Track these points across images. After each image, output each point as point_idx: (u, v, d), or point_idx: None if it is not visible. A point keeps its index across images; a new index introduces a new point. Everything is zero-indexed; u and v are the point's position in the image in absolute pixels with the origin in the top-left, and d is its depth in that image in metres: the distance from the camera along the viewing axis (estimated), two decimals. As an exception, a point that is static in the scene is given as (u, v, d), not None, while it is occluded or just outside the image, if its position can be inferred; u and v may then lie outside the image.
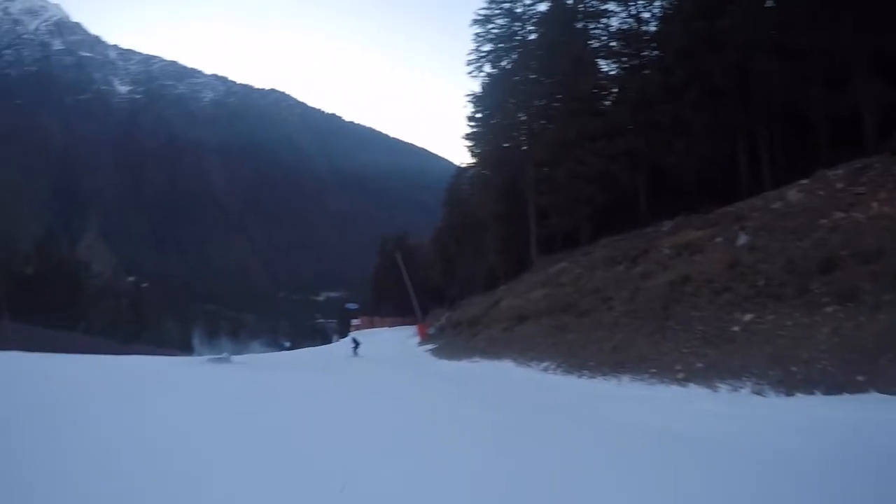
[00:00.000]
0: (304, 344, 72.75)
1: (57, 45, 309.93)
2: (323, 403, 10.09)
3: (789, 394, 7.76)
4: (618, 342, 12.73)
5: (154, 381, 12.94)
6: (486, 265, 41.61)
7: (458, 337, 25.13)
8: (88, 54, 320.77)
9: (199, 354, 34.58)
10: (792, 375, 8.01)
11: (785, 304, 9.69)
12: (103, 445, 5.59)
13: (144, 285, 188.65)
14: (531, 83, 32.40)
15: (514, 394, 12.15)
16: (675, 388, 9.51)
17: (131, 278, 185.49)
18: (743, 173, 21.68)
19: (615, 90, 31.38)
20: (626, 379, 10.95)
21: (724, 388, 8.70)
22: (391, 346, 35.62)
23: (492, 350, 18.20)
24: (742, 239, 12.74)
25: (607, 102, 31.25)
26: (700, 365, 9.68)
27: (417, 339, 35.64)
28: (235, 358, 22.55)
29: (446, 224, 52.99)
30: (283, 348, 75.50)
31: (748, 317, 10.03)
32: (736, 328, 9.98)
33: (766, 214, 13.19)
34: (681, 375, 9.74)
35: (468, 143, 39.29)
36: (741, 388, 8.45)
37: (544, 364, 14.54)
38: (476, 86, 44.93)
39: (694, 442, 6.40)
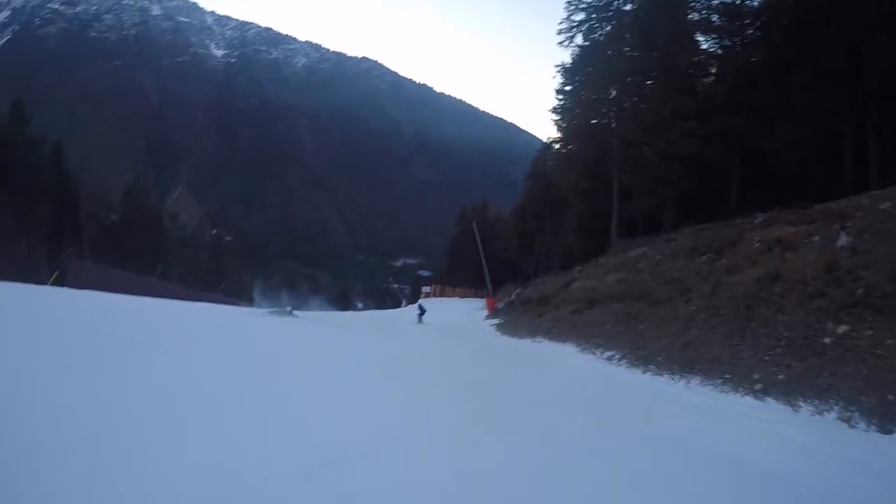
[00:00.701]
0: (375, 307, 73.78)
1: (155, 10, 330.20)
2: (370, 365, 10.35)
3: (884, 429, 6.50)
4: (692, 339, 11.58)
5: (218, 326, 13.90)
6: (563, 244, 40.63)
7: (525, 314, 24.32)
8: (186, 20, 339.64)
9: (261, 307, 34.95)
10: (889, 406, 6.78)
11: (887, 318, 8.33)
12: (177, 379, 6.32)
13: (228, 238, 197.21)
14: (624, 57, 30.52)
15: (561, 383, 11.28)
16: (749, 401, 8.37)
17: (215, 231, 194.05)
18: (848, 167, 19.79)
19: (713, 68, 29.22)
20: (695, 381, 9.86)
21: (806, 409, 7.50)
22: (457, 317, 35.36)
23: (557, 332, 17.28)
24: (843, 240, 11.26)
25: (704, 80, 29.14)
26: (782, 377, 8.50)
27: (485, 312, 35.09)
28: (298, 313, 22.92)
29: (528, 198, 51.96)
30: (355, 309, 76.78)
31: (842, 328, 8.71)
32: (827, 340, 8.69)
33: (871, 215, 11.57)
34: (758, 386, 8.61)
35: (555, 116, 37.72)
36: (827, 411, 7.23)
37: (609, 353, 13.52)
38: (566, 57, 43.62)
39: (768, 480, 5.36)
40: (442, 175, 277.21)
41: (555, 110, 37.38)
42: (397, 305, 61.98)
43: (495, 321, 26.83)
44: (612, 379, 11.68)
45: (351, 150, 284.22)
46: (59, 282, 29.87)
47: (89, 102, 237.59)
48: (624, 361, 12.62)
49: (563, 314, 19.45)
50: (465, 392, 8.69)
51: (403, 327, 25.69)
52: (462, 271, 64.27)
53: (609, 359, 13.23)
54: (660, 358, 11.71)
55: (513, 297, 33.79)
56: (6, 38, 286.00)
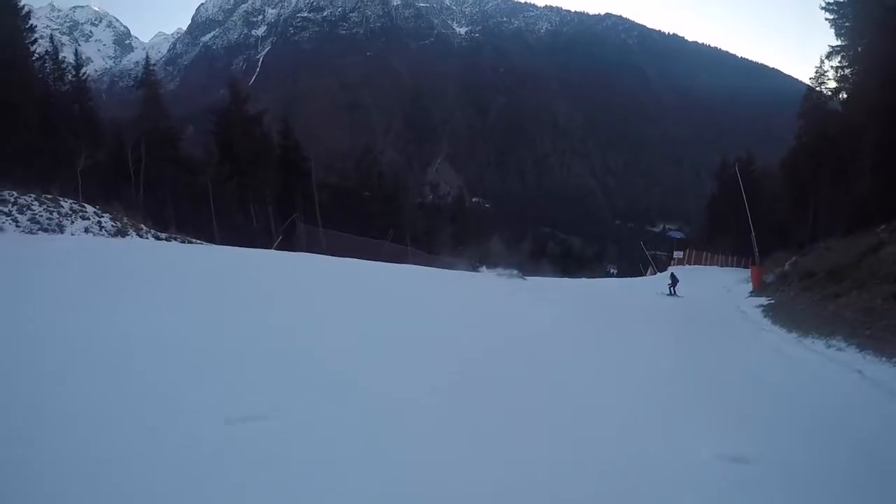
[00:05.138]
0: (629, 274, 67.45)
1: (395, 1, 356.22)
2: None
3: None
4: None
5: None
6: (851, 194, 30.33)
7: (806, 294, 17.05)
8: (425, 4, 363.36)
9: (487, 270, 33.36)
10: None
11: None
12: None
13: (487, 205, 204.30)
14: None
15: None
16: None
17: (475, 199, 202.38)
18: None
19: None
20: None
21: None
22: (713, 291, 29.09)
23: (870, 330, 10.68)
24: None
25: None
26: None
27: (749, 286, 27.72)
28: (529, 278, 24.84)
29: (801, 140, 41.46)
30: (607, 274, 72.03)
31: None
32: None
33: None
34: None
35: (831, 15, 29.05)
36: None
37: None
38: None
39: None
40: (699, 131, 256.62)
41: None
42: (646, 272, 54.87)
43: (762, 301, 19.70)
44: None
45: (602, 110, 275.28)
46: (284, 246, 31.46)
47: (348, 91, 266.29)
48: None
49: (874, 298, 12.48)
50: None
51: (645, 302, 21.24)
52: (723, 235, 56.22)
53: None
54: None
55: (786, 267, 25.96)
56: (267, 49, 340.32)
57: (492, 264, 36.59)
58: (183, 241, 25.38)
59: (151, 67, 48.69)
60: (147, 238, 23.93)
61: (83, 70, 41.34)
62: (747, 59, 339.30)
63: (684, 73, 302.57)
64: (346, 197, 49.66)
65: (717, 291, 28.84)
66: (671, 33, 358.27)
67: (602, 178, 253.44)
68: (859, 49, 29.48)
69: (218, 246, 26.48)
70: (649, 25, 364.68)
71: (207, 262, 14.87)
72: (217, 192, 39.78)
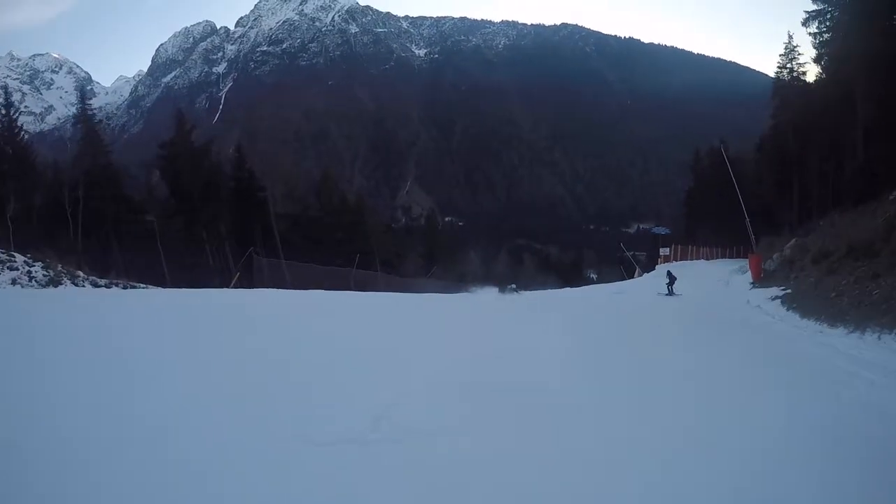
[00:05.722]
0: (609, 276, 65.45)
1: (353, 28, 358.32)
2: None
3: None
4: None
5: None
6: (848, 169, 28.36)
7: (830, 277, 14.74)
8: (383, 30, 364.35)
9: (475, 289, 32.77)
10: None
11: None
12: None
13: (460, 224, 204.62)
14: None
15: None
16: None
17: (448, 218, 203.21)
18: None
19: None
20: None
21: None
22: (711, 285, 26.88)
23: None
24: None
25: None
26: None
27: (745, 276, 25.53)
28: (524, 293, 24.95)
29: (780, 121, 39.69)
30: (588, 281, 70.34)
31: None
32: None
33: None
34: None
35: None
36: None
37: None
38: None
39: None
40: (663, 129, 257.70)
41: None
42: (630, 274, 52.57)
43: (775, 292, 17.37)
44: None
45: (565, 118, 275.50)
46: (243, 283, 29.80)
47: (313, 121, 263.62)
48: None
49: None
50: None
51: (644, 304, 19.50)
52: (704, 227, 54.41)
53: None
54: None
55: (786, 251, 23.85)
56: (229, 85, 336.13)
57: (488, 283, 35.38)
58: (125, 287, 23.39)
59: (88, 106, 45.43)
60: (83, 286, 21.97)
61: (14, 110, 38.39)
62: (704, 55, 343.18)
63: (644, 75, 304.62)
64: (309, 226, 46.76)
65: (715, 286, 26.59)
66: (627, 37, 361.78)
67: (572, 185, 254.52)
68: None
69: (160, 289, 24.03)
70: (605, 31, 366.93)
71: (126, 309, 11.85)
72: (166, 230, 37.08)
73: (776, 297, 16.19)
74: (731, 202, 42.66)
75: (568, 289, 37.15)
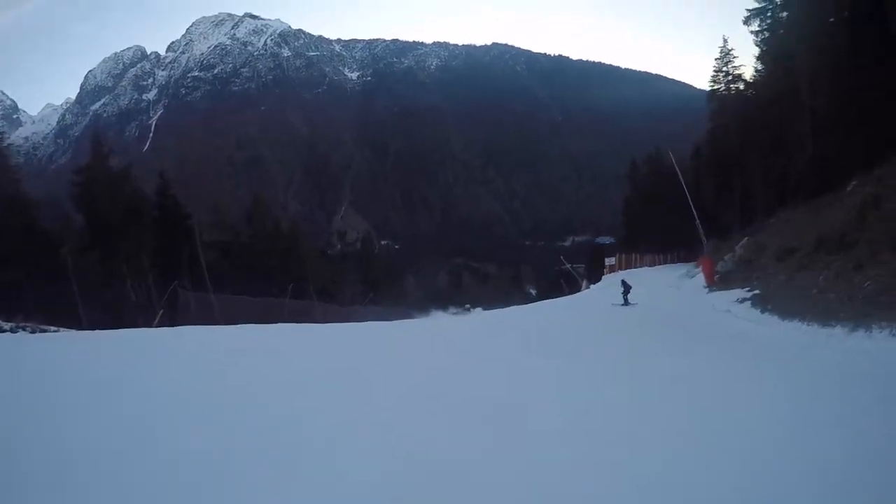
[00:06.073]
0: (549, 291, 64.29)
1: (286, 52, 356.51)
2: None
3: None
4: None
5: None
6: (799, 162, 27.40)
7: (804, 272, 13.68)
8: (315, 53, 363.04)
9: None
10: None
11: None
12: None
13: (397, 247, 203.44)
14: None
15: None
16: None
17: (384, 242, 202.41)
18: None
19: None
20: None
21: None
22: (663, 291, 25.81)
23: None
24: None
25: None
26: None
27: (697, 281, 24.62)
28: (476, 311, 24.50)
29: (718, 123, 39.73)
30: (528, 297, 69.42)
31: None
32: None
33: None
34: None
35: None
36: None
37: None
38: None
39: None
40: (594, 143, 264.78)
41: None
42: (574, 288, 51.49)
43: (741, 294, 16.15)
44: None
45: (499, 137, 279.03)
46: (167, 321, 26.25)
47: (246, 147, 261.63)
48: None
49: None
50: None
51: (602, 317, 17.80)
52: (644, 235, 54.87)
53: None
54: None
55: (738, 251, 23.15)
56: (160, 112, 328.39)
57: (432, 305, 34.26)
58: (33, 331, 20.66)
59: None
60: (-17, 331, 19.28)
61: None
62: (632, 69, 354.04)
63: (574, 91, 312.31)
64: (241, 253, 44.03)
65: (667, 291, 25.63)
66: (557, 55, 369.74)
67: (507, 203, 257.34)
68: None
69: (71, 332, 21.51)
70: (535, 50, 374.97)
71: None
72: (82, 264, 33.92)
73: (743, 300, 15.11)
74: (670, 207, 42.75)
75: (517, 307, 35.67)
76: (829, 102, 20.71)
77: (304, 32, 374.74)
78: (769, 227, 23.67)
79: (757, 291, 15.25)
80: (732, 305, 15.13)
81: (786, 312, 11.82)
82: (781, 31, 30.18)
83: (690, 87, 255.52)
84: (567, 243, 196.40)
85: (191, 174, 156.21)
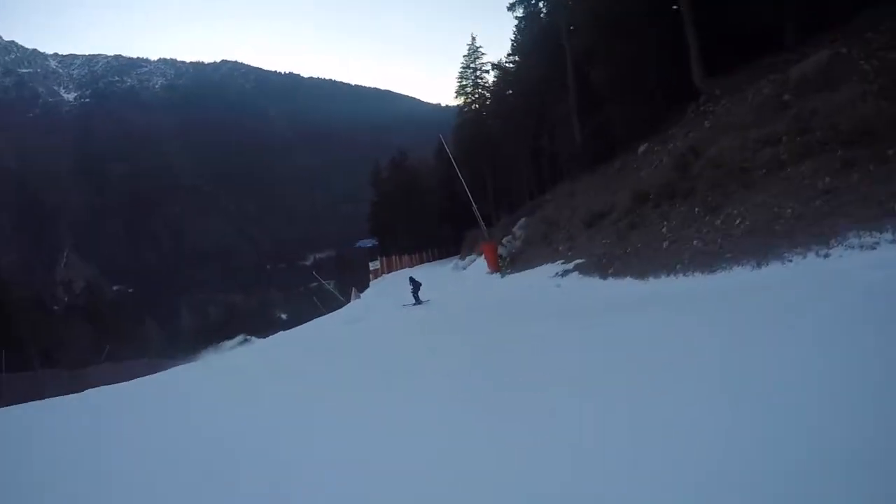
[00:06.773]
0: (304, 315, 58.99)
1: None
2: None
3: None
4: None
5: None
6: (577, 136, 26.55)
7: (634, 233, 12.41)
8: (28, 70, 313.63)
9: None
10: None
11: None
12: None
13: (130, 290, 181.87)
14: None
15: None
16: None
17: (116, 287, 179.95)
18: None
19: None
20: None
21: None
22: (450, 285, 24.05)
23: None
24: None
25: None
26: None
27: (483, 269, 23.28)
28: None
29: (466, 118, 40.25)
30: (280, 325, 65.02)
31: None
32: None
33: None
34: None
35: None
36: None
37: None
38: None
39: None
40: (326, 158, 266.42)
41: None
42: (335, 304, 47.54)
43: (547, 270, 14.76)
44: None
45: (229, 159, 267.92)
46: None
47: None
48: None
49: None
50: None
51: (399, 329, 14.56)
52: (395, 237, 54.65)
53: None
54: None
55: (517, 233, 22.42)
56: None
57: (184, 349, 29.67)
58: None
59: None
60: None
61: None
62: (361, 86, 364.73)
63: (304, 108, 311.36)
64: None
65: (453, 285, 23.93)
66: (287, 72, 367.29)
67: (243, 227, 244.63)
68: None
69: None
70: (266, 67, 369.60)
71: None
72: None
73: (566, 272, 13.62)
74: (419, 205, 43.01)
75: (294, 329, 31.50)
76: (606, 73, 20.50)
77: (16, 45, 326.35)
78: (547, 203, 23.23)
79: (581, 260, 13.82)
80: (557, 280, 13.52)
81: (638, 271, 10.33)
82: (543, 14, 31.21)
83: (420, 101, 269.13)
84: (308, 262, 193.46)
85: None
